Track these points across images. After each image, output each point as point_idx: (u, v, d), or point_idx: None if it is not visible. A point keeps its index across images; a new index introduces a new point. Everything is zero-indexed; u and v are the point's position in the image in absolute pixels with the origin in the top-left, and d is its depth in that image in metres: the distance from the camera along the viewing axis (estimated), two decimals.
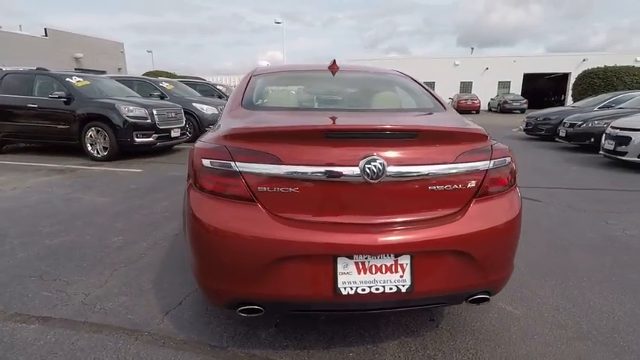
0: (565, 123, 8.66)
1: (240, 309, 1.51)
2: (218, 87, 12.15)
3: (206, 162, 1.53)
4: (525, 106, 24.58)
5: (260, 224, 1.42)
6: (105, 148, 6.59)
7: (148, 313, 2.08)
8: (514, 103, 24.83)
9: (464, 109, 24.52)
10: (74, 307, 2.12)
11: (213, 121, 9.33)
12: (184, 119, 7.84)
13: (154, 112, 6.87)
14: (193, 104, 9.16)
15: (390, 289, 1.43)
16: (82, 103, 6.68)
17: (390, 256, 1.43)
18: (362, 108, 2.24)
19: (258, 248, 1.42)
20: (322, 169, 1.42)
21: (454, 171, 1.50)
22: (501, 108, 25.10)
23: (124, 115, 6.49)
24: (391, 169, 1.43)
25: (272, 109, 2.01)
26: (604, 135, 6.67)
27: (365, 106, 2.26)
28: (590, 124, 7.88)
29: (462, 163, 1.51)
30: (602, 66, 14.11)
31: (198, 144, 1.67)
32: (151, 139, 6.82)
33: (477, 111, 25.29)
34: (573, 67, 28.19)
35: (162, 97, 8.96)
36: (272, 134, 1.50)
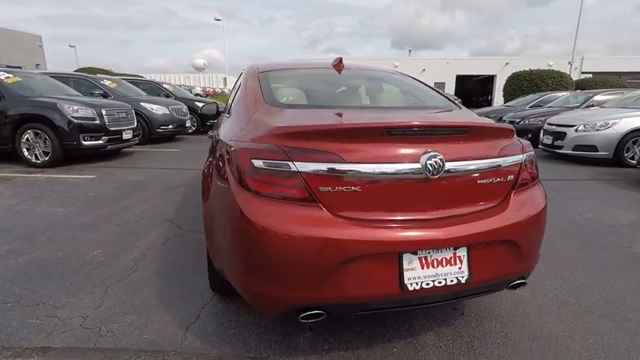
0: (505, 121, 9.51)
1: (302, 315, 1.44)
2: (164, 86, 11.42)
3: (258, 162, 1.43)
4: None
5: (326, 225, 1.37)
6: (46, 153, 5.86)
7: (166, 330, 1.90)
8: None
9: None
10: (75, 333, 1.87)
11: (164, 123, 8.78)
12: (136, 120, 7.26)
13: (103, 112, 6.26)
14: (142, 104, 8.51)
15: (451, 281, 1.47)
16: (13, 102, 5.86)
17: (449, 249, 1.47)
18: (393, 106, 2.23)
19: (325, 250, 1.36)
20: (386, 166, 1.41)
21: (498, 164, 1.58)
22: None
23: (69, 116, 5.83)
24: (448, 164, 1.46)
25: (303, 107, 1.95)
26: (542, 131, 7.45)
27: (395, 104, 2.26)
28: (527, 121, 8.74)
29: (503, 157, 1.60)
30: (522, 69, 15.89)
31: (239, 144, 1.55)
32: (100, 141, 6.21)
33: None
34: (498, 69, 31.04)
35: (104, 96, 8.19)
36: (332, 132, 1.45)
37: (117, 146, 6.67)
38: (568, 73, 14.65)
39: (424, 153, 1.44)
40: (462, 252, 1.49)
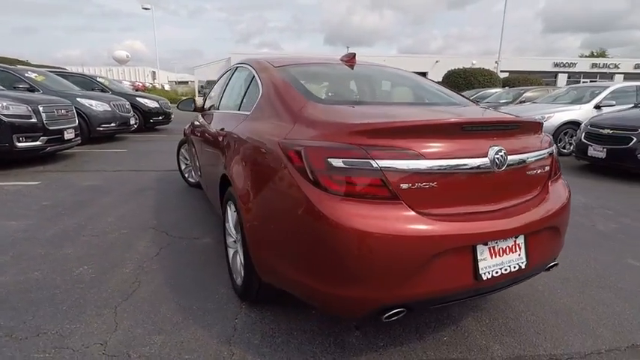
0: None
1: (387, 315, 1.41)
2: (99, 79, 10.31)
3: (337, 162, 1.37)
4: None
5: (412, 222, 1.36)
6: None
7: (207, 348, 1.75)
8: None
9: None
10: None
11: (106, 120, 8.00)
12: (76, 117, 6.48)
13: (40, 109, 5.49)
14: (79, 100, 7.61)
15: (514, 267, 1.55)
16: None
17: (512, 238, 1.55)
18: (430, 102, 2.22)
19: (413, 248, 1.35)
20: (460, 161, 1.44)
21: (542, 156, 1.70)
22: None
23: None
24: (510, 157, 1.54)
25: (348, 103, 1.88)
26: None
27: (427, 100, 2.25)
28: None
29: (544, 149, 1.73)
30: (450, 67, 17.28)
31: (306, 143, 1.46)
32: (38, 142, 5.44)
33: None
34: (429, 67, 33.18)
35: (31, 90, 7.18)
36: (409, 129, 1.43)
37: (57, 148, 5.90)
38: (495, 71, 16.31)
39: (491, 147, 1.50)
40: (521, 240, 1.58)
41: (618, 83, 7.57)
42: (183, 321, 1.95)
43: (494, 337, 1.86)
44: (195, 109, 3.78)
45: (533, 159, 1.66)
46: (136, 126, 9.54)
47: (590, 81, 32.84)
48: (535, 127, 1.78)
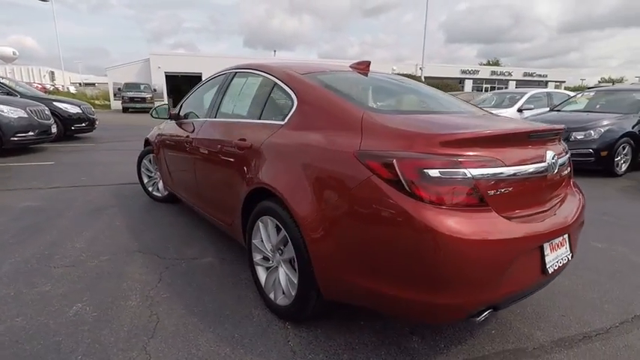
0: None
1: (481, 316, 1.46)
2: (2, 80, 8.76)
3: (433, 172, 1.38)
4: None
5: (502, 227, 1.42)
6: None
7: None
8: None
9: None
10: None
11: (22, 129, 6.91)
12: None
13: None
14: None
15: (565, 260, 1.72)
16: None
17: (564, 234, 1.71)
18: (452, 110, 2.27)
19: (504, 251, 1.42)
20: (530, 166, 1.55)
21: (569, 158, 1.91)
22: None
23: None
24: (558, 161, 1.71)
25: (402, 113, 1.88)
26: None
27: (447, 109, 2.29)
28: None
29: (567, 152, 1.94)
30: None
31: (401, 154, 1.43)
32: None
33: None
34: None
35: None
36: (490, 138, 1.50)
37: None
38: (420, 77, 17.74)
39: (547, 152, 1.64)
40: (566, 235, 1.75)
41: (533, 90, 8.78)
42: (234, 352, 1.77)
43: (532, 325, 2.03)
44: (171, 117, 3.46)
45: (566, 161, 1.86)
46: (54, 135, 8.34)
47: (492, 87, 37.40)
48: (561, 133, 2.00)
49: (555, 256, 1.66)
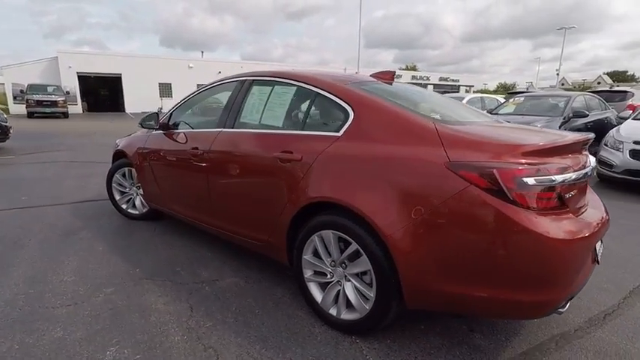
0: None
1: (564, 308, 1.60)
2: None
3: (530, 180, 1.48)
4: None
5: (581, 227, 1.58)
6: None
7: None
8: None
9: None
10: None
11: None
12: None
13: None
14: None
15: (602, 248, 1.97)
16: None
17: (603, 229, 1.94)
18: (488, 119, 2.37)
19: (585, 248, 1.58)
20: (585, 170, 1.75)
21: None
22: None
23: None
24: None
25: (463, 124, 1.95)
26: None
27: (486, 118, 2.38)
28: None
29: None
30: None
31: (499, 165, 1.51)
32: None
33: None
34: None
35: None
36: (563, 147, 1.65)
37: None
38: None
39: (587, 158, 1.87)
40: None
41: (470, 95, 9.70)
42: None
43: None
44: (160, 127, 3.15)
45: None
46: None
47: None
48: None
49: (599, 245, 1.90)
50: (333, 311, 2.01)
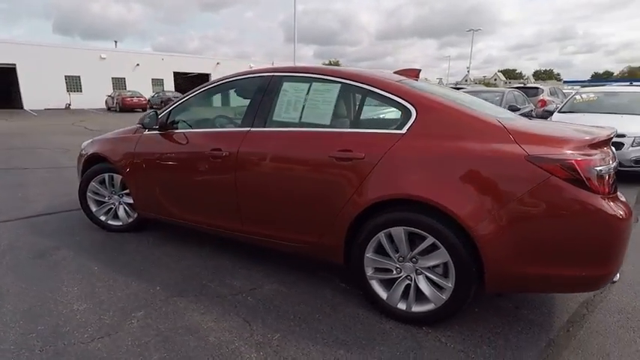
0: None
1: (615, 280, 1.85)
2: None
3: (599, 169, 1.68)
4: None
5: (627, 209, 1.82)
6: None
7: None
8: None
9: (130, 107, 23.04)
10: None
11: None
12: None
13: None
14: None
15: None
16: None
17: None
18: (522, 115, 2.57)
19: (631, 226, 1.84)
20: (617, 160, 2.02)
21: None
22: (166, 105, 25.52)
23: None
24: None
25: (510, 120, 2.08)
26: None
27: (509, 114, 2.54)
28: None
29: None
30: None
31: (576, 156, 1.68)
32: None
33: (145, 108, 24.43)
34: (211, 68, 32.99)
35: None
36: (606, 140, 1.88)
37: None
38: None
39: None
40: None
41: None
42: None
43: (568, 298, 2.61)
44: (161, 127, 2.83)
45: None
46: None
47: None
48: None
49: None
50: (401, 306, 2.05)
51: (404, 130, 2.00)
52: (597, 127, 2.08)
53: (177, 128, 2.85)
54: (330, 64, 65.56)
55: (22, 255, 2.83)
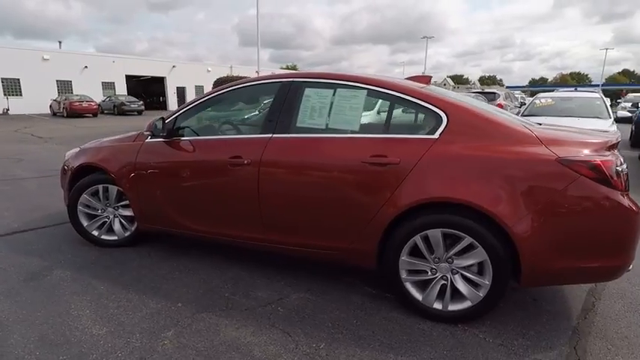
0: None
1: (629, 269, 2.03)
2: None
3: (619, 169, 1.85)
4: (143, 107, 25.14)
5: (636, 204, 2.02)
6: None
7: None
8: (132, 105, 24.67)
9: (79, 112, 21.47)
10: None
11: None
12: None
13: None
14: None
15: None
16: None
17: None
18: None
19: None
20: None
21: None
22: (119, 110, 24.12)
23: None
24: None
25: (532, 125, 2.22)
26: None
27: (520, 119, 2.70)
28: None
29: None
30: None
31: (601, 158, 1.84)
32: None
33: (95, 114, 22.86)
34: (167, 72, 31.65)
35: None
36: (616, 144, 2.07)
37: None
38: None
39: None
40: None
41: None
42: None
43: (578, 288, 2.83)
44: (168, 134, 2.69)
45: None
46: None
47: None
48: None
49: None
50: (437, 305, 2.10)
51: (436, 135, 2.07)
52: (605, 131, 2.29)
53: (183, 135, 2.73)
54: (287, 68, 65.60)
55: (12, 278, 2.55)
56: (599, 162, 1.83)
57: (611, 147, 2.00)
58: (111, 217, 3.08)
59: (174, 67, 32.09)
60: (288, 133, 2.38)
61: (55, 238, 3.25)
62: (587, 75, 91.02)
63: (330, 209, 2.25)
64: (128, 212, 3.02)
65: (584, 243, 1.88)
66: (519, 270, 1.93)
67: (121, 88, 28.96)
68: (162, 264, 2.81)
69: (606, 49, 54.12)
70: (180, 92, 32.77)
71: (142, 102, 25.43)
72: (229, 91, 2.71)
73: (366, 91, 2.30)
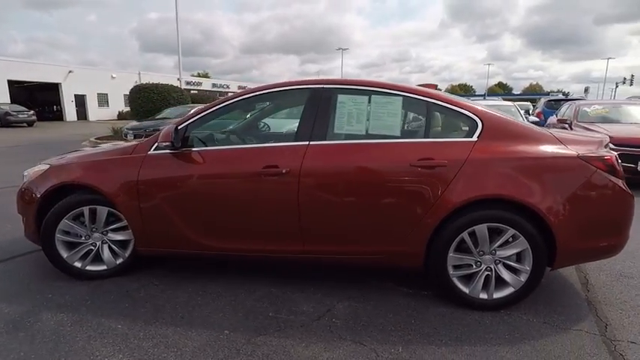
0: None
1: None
2: None
3: (617, 161, 2.24)
4: (34, 118, 21.63)
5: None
6: None
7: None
8: (20, 115, 21.01)
9: None
10: None
11: None
12: None
13: None
14: None
15: None
16: None
17: None
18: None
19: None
20: None
21: None
22: (5, 121, 20.34)
23: None
24: None
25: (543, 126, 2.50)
26: None
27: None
28: None
29: None
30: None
31: (612, 153, 2.18)
32: None
33: None
34: (61, 77, 27.73)
35: None
36: (609, 142, 2.48)
37: None
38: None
39: None
40: None
41: None
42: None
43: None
44: (182, 144, 2.42)
45: None
46: None
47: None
48: None
49: None
50: (483, 295, 2.26)
51: (474, 138, 2.25)
52: (599, 132, 2.74)
53: (200, 145, 2.49)
54: (199, 75, 62.71)
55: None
56: (610, 157, 2.20)
57: (606, 145, 2.41)
58: (98, 243, 2.63)
59: (70, 72, 28.29)
60: (327, 140, 2.34)
61: (24, 273, 2.66)
62: (471, 86, 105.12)
63: (378, 213, 2.27)
64: (120, 236, 2.62)
65: (599, 225, 2.22)
66: (554, 254, 2.20)
67: (3, 96, 24.48)
68: (176, 291, 2.50)
69: (488, 64, 63.51)
70: (80, 100, 29.08)
71: (32, 112, 21.90)
72: (250, 97, 2.56)
73: (401, 97, 2.38)
